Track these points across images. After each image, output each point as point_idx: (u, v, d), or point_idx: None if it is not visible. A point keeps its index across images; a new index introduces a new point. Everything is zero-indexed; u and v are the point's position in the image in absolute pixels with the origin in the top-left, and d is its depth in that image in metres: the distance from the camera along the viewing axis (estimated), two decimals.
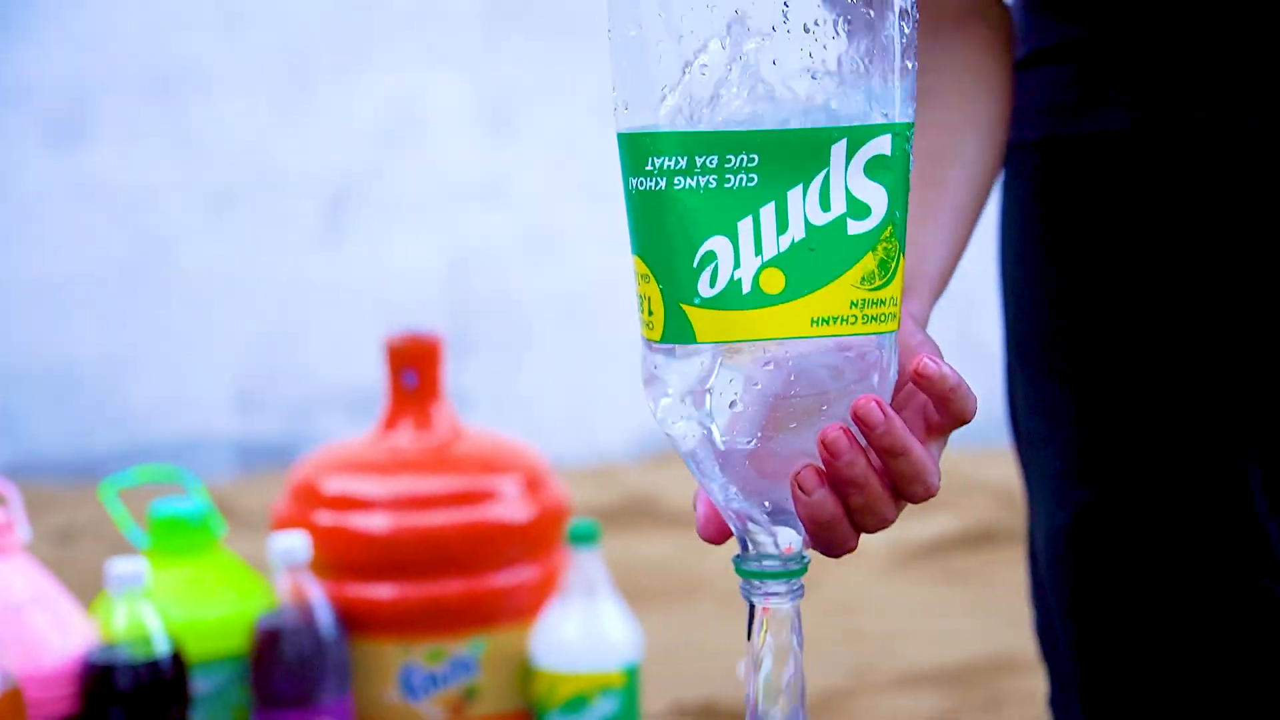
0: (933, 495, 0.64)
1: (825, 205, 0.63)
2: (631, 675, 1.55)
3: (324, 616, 1.49)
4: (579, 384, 3.37)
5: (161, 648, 1.40)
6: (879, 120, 0.63)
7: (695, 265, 0.63)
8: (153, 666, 1.38)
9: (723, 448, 0.64)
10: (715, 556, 2.72)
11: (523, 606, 1.59)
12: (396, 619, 1.55)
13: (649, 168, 0.64)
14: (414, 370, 1.64)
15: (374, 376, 3.57)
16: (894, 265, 0.64)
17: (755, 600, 0.67)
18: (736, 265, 0.63)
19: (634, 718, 1.55)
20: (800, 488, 0.62)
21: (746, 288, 0.63)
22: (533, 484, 1.63)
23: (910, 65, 0.64)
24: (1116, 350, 0.90)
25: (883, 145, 0.63)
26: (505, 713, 1.57)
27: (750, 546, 0.66)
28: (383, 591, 1.56)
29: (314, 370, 3.62)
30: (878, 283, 0.64)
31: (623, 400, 3.55)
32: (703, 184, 0.63)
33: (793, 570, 0.67)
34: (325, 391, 3.61)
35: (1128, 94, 0.89)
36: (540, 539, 1.62)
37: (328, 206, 3.61)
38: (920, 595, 2.51)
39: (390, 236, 3.60)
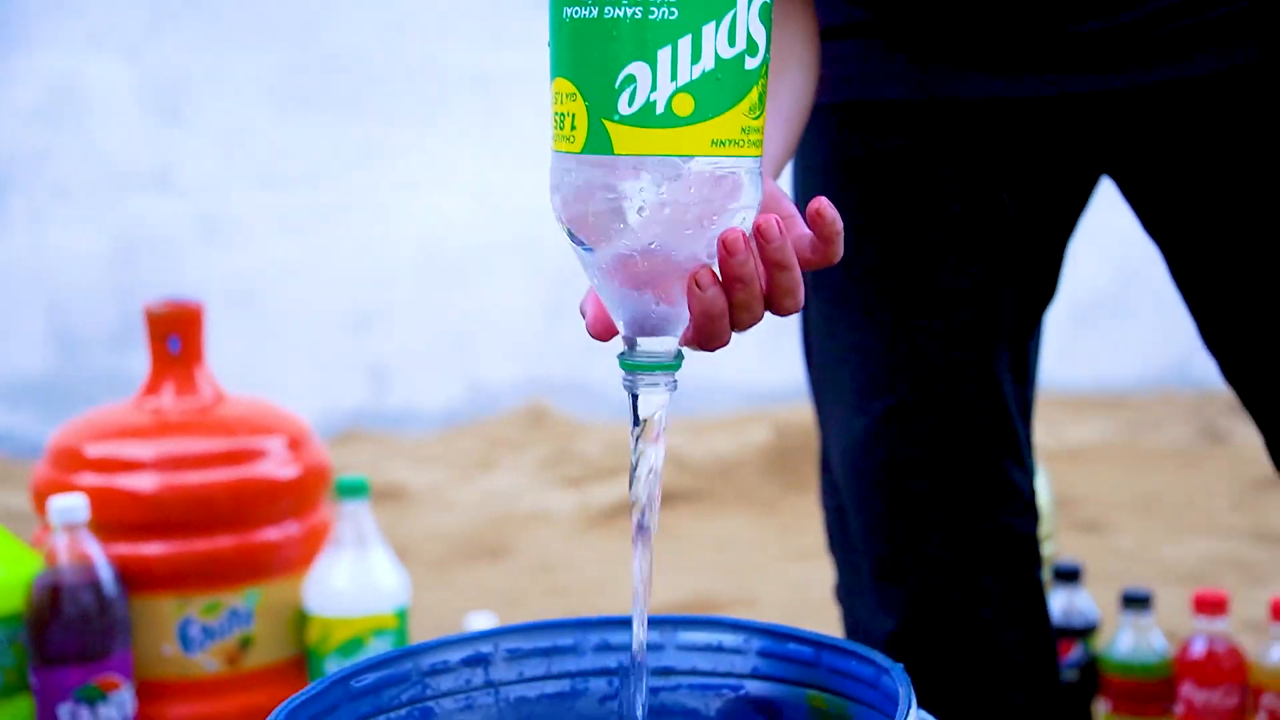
0: (799, 310, 0.76)
1: (732, 41, 0.73)
2: (402, 617, 1.65)
3: (104, 574, 1.54)
4: (256, 368, 3.39)
5: None
6: None
7: (617, 86, 0.72)
8: None
9: (624, 250, 0.73)
10: (412, 525, 2.82)
11: (293, 559, 1.67)
12: (172, 575, 1.61)
13: None
14: (177, 336, 1.69)
15: (38, 365, 3.51)
16: (764, 99, 0.75)
17: (638, 390, 0.76)
18: (654, 89, 0.72)
19: None
20: (697, 284, 0.72)
21: (660, 109, 0.72)
22: (295, 443, 1.71)
23: None
24: (896, 282, 1.09)
25: None
26: (280, 659, 1.66)
27: (635, 343, 0.76)
28: (154, 549, 1.62)
29: None
30: (758, 113, 0.74)
31: (302, 383, 3.59)
32: (630, 14, 0.72)
33: (671, 364, 0.76)
34: None
35: (903, 70, 1.08)
36: (306, 495, 1.70)
37: None
38: (611, 552, 2.68)
39: (54, 222, 3.52)
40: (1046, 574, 1.68)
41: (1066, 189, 1.13)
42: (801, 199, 1.11)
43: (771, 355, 3.22)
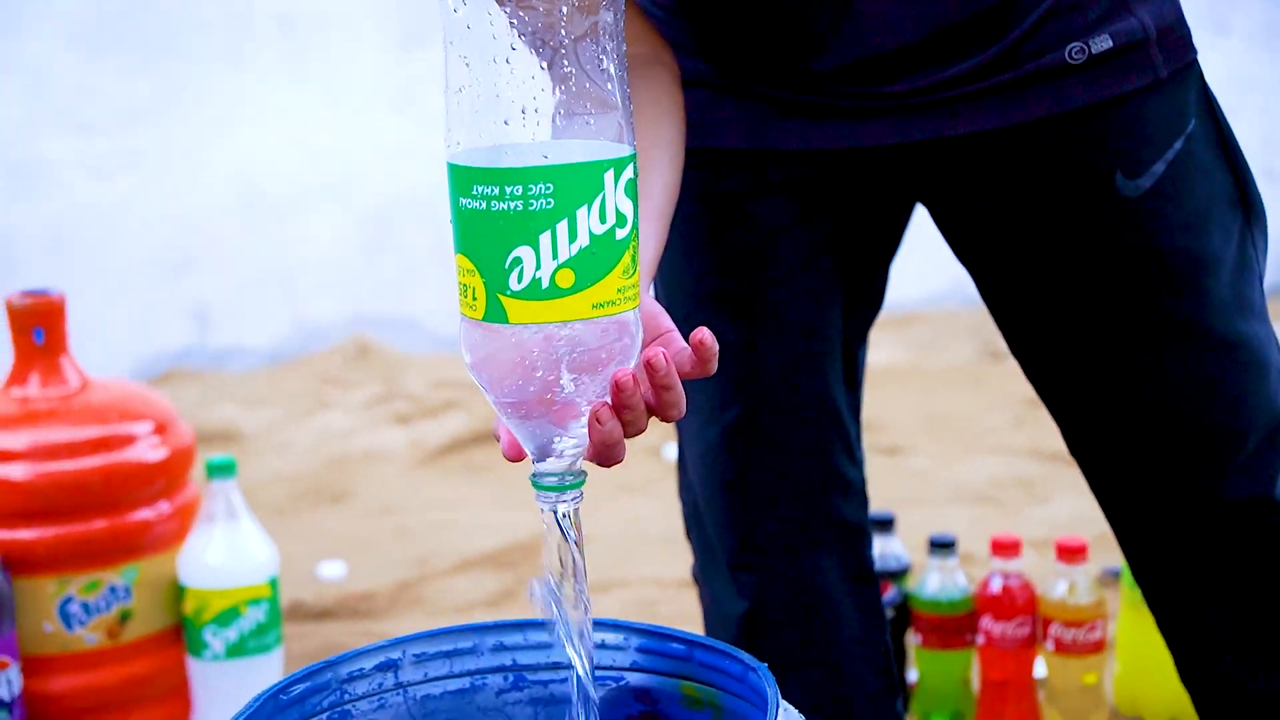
0: (681, 416, 0.90)
1: (603, 219, 0.83)
2: (273, 586, 1.77)
3: None
4: (75, 313, 3.40)
5: None
6: (630, 151, 0.86)
7: (507, 266, 0.83)
8: None
9: (525, 397, 0.85)
10: (250, 469, 2.91)
11: (166, 535, 1.77)
12: (51, 558, 1.70)
13: (474, 192, 0.84)
14: (41, 327, 1.76)
15: None
16: (637, 258, 0.87)
17: (545, 506, 0.89)
18: (538, 267, 0.83)
19: (277, 622, 1.78)
20: (597, 420, 0.85)
21: (545, 284, 0.83)
22: (162, 427, 1.80)
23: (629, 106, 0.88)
24: (739, 309, 1.24)
25: (632, 170, 0.86)
26: (158, 630, 1.76)
27: (542, 466, 0.88)
28: (32, 534, 1.70)
29: None
30: (632, 272, 0.86)
31: (119, 326, 3.61)
32: (512, 207, 0.82)
33: (574, 483, 0.89)
34: None
35: (735, 119, 1.22)
36: (175, 475, 1.80)
37: None
38: (450, 491, 2.81)
39: None
40: None
41: (886, 217, 1.29)
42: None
43: None
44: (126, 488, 1.74)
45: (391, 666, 1.08)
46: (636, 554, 2.40)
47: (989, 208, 1.22)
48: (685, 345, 0.90)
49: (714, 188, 1.23)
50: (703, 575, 1.31)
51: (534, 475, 0.89)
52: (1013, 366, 1.34)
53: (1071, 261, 1.21)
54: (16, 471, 1.71)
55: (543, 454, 0.89)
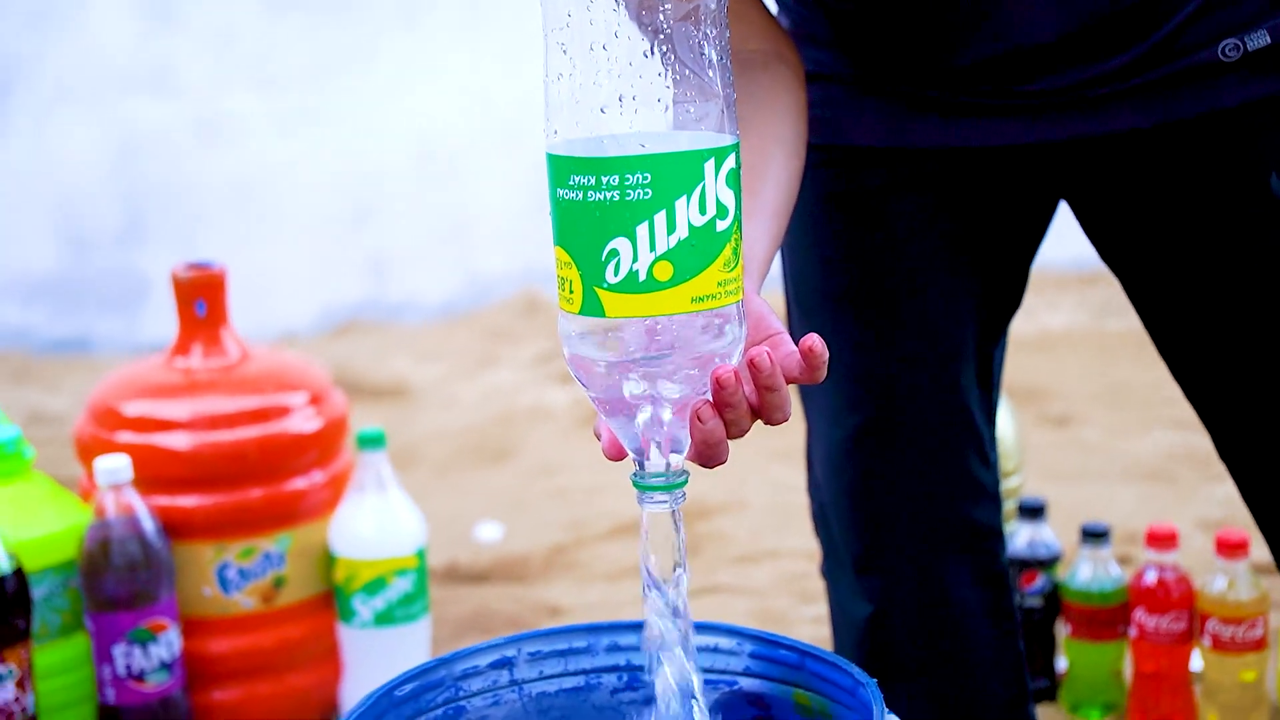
0: (787, 420, 0.87)
1: (703, 210, 0.81)
2: (421, 556, 1.80)
3: (148, 526, 1.68)
4: (256, 265, 3.49)
5: (4, 565, 1.56)
6: (731, 140, 0.84)
7: (603, 259, 0.81)
8: None
9: (625, 395, 0.83)
10: (418, 425, 2.97)
11: (319, 504, 1.81)
12: (209, 525, 1.75)
13: (570, 183, 0.82)
14: (203, 299, 1.81)
15: (48, 263, 3.62)
16: (740, 250, 0.85)
17: (646, 506, 0.88)
18: (635, 259, 0.81)
19: (424, 592, 1.81)
20: (699, 419, 0.83)
21: (643, 276, 0.81)
22: (317, 398, 1.84)
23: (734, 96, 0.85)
24: (870, 307, 1.21)
25: (734, 160, 0.84)
26: (310, 596, 1.81)
27: (643, 466, 0.86)
28: (191, 502, 1.76)
29: None
30: (734, 265, 0.84)
31: (300, 278, 3.70)
32: (609, 197, 0.80)
33: (676, 483, 0.87)
34: None
35: (871, 117, 1.19)
36: (328, 446, 1.84)
37: None
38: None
39: (55, 123, 3.60)
40: (1012, 508, 1.83)
41: (1026, 214, 1.25)
42: (790, 231, 1.22)
43: None
44: (282, 457, 1.79)
45: (506, 664, 1.09)
46: (787, 524, 2.38)
47: (1133, 208, 1.18)
48: (794, 349, 0.87)
49: (845, 185, 1.20)
50: (829, 576, 1.30)
51: (635, 475, 0.88)
52: None
53: (1223, 265, 1.16)
54: (179, 441, 1.76)
55: (643, 453, 0.87)
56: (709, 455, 0.85)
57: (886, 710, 0.95)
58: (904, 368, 1.21)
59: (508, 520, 2.48)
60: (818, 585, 2.16)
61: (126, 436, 1.76)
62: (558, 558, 2.33)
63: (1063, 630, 1.78)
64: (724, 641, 1.09)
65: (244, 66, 3.67)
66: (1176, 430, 2.81)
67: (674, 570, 0.91)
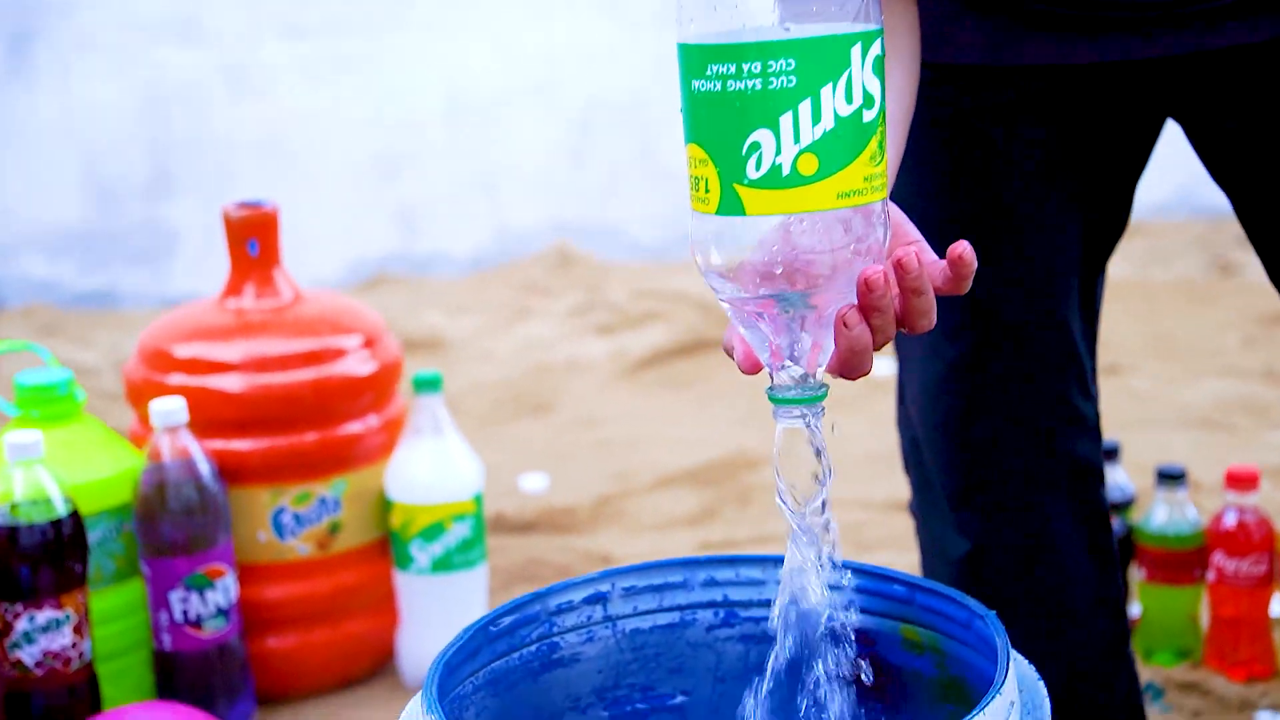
0: (932, 328, 0.83)
1: (849, 99, 0.76)
2: (478, 502, 1.76)
3: (204, 469, 1.64)
4: (285, 217, 3.44)
5: (60, 509, 1.52)
6: (876, 26, 0.79)
7: (744, 153, 0.76)
8: (55, 525, 1.51)
9: (765, 298, 0.77)
10: (455, 378, 2.92)
11: (374, 449, 1.77)
12: (265, 469, 1.71)
13: (708, 72, 0.77)
14: (255, 239, 1.77)
15: (74, 216, 3.57)
16: (885, 144, 0.80)
17: (781, 421, 0.83)
18: (778, 152, 0.76)
19: (482, 538, 1.77)
20: (845, 324, 0.78)
21: (786, 170, 0.76)
22: (371, 341, 1.79)
23: None
24: (971, 231, 1.16)
25: (879, 46, 0.79)
26: (366, 542, 1.77)
27: (778, 378, 0.81)
28: (246, 445, 1.71)
29: (11, 211, 3.57)
30: (879, 159, 0.79)
31: (330, 230, 3.66)
32: (751, 85, 0.75)
33: (816, 395, 0.82)
34: (25, 233, 3.57)
35: (973, 34, 1.14)
36: (383, 389, 1.80)
37: (13, 42, 3.53)
38: (651, 404, 2.78)
39: (81, 73, 3.55)
40: None
41: (1134, 134, 1.20)
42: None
43: None
44: (336, 401, 1.75)
45: (600, 599, 1.05)
46: (844, 473, 2.32)
47: (1245, 125, 1.13)
48: (936, 257, 0.83)
49: (951, 105, 1.15)
50: (920, 512, 1.25)
51: (771, 389, 0.82)
52: (1244, 282, 1.25)
53: None
54: (231, 383, 1.72)
55: (782, 363, 0.82)
56: (854, 364, 0.80)
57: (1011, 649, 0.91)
58: (1006, 295, 1.16)
59: (551, 472, 2.44)
60: (876, 534, 2.12)
61: (179, 379, 1.72)
62: (604, 508, 2.29)
63: (1137, 575, 1.74)
64: (828, 575, 1.05)
65: (273, 15, 3.62)
66: (1228, 379, 2.77)
67: (817, 489, 0.86)
